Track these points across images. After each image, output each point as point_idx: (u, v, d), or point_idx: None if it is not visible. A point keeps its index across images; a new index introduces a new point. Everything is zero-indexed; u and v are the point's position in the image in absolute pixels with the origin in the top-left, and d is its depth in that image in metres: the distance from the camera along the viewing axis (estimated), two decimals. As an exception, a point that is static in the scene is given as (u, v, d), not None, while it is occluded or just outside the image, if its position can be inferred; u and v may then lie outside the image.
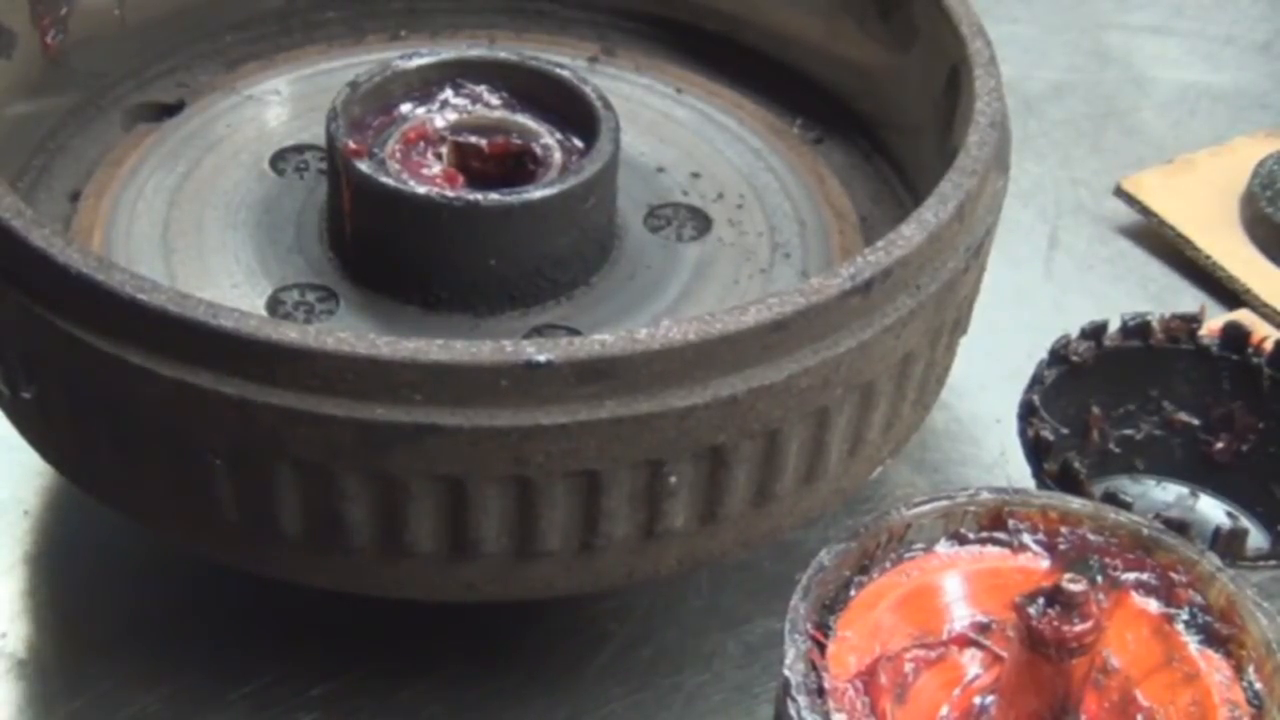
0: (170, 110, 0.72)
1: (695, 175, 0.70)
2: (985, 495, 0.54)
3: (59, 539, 0.68)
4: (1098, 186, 0.88)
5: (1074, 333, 0.70)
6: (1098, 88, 0.95)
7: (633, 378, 0.53)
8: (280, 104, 0.72)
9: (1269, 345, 0.70)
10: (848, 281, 0.55)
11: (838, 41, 0.72)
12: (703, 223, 0.68)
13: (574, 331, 0.63)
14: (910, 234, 0.56)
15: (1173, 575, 0.53)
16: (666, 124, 0.72)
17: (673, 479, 0.55)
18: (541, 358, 0.52)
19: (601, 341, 0.52)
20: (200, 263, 0.65)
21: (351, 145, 0.63)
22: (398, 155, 0.64)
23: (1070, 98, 0.94)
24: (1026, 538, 0.54)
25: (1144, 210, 0.85)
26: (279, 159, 0.70)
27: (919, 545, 0.54)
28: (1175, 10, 1.01)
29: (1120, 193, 0.86)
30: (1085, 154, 0.91)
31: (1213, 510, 0.71)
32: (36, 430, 0.60)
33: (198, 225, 0.67)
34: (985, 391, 0.75)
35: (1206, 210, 0.85)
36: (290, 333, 0.52)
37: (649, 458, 0.54)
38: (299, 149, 0.70)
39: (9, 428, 0.61)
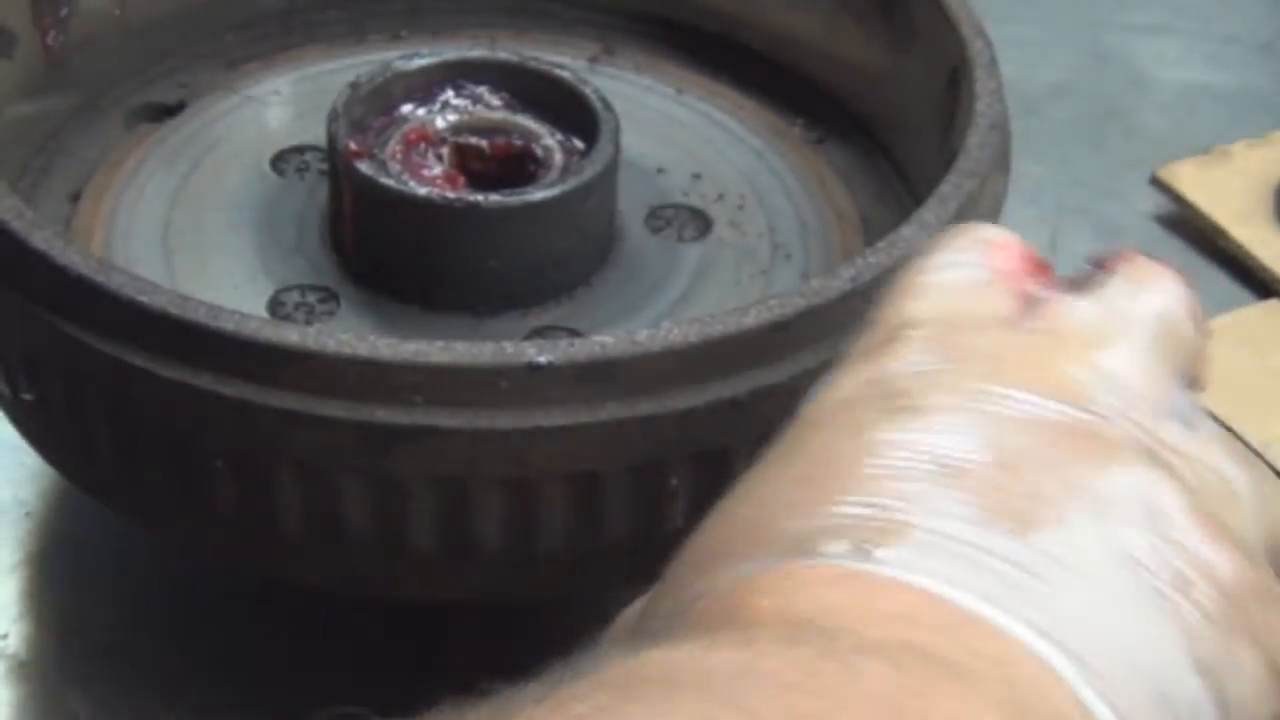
0: (171, 111, 0.72)
1: (696, 176, 0.70)
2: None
3: (61, 540, 0.68)
4: (1098, 187, 0.88)
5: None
6: (1098, 88, 0.95)
7: (633, 379, 0.53)
8: (281, 104, 0.72)
9: None
10: (848, 283, 0.55)
11: (838, 42, 0.71)
12: (703, 224, 0.68)
13: (574, 332, 0.63)
14: (910, 235, 0.56)
15: None
16: (667, 125, 0.72)
17: (673, 481, 0.55)
18: (542, 359, 0.52)
19: (602, 343, 0.52)
20: (201, 264, 0.65)
21: (352, 146, 0.63)
22: (398, 156, 0.64)
23: (1070, 98, 0.94)
24: None
25: (1179, 199, 0.85)
26: (280, 160, 0.69)
27: None
28: (1176, 10, 1.00)
29: (1155, 181, 0.86)
30: (1085, 154, 0.91)
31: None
32: (37, 432, 0.60)
33: (199, 226, 0.67)
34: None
35: (1241, 200, 0.85)
36: (291, 334, 0.52)
37: (650, 459, 0.54)
38: (300, 150, 0.70)
39: (10, 428, 0.61)
